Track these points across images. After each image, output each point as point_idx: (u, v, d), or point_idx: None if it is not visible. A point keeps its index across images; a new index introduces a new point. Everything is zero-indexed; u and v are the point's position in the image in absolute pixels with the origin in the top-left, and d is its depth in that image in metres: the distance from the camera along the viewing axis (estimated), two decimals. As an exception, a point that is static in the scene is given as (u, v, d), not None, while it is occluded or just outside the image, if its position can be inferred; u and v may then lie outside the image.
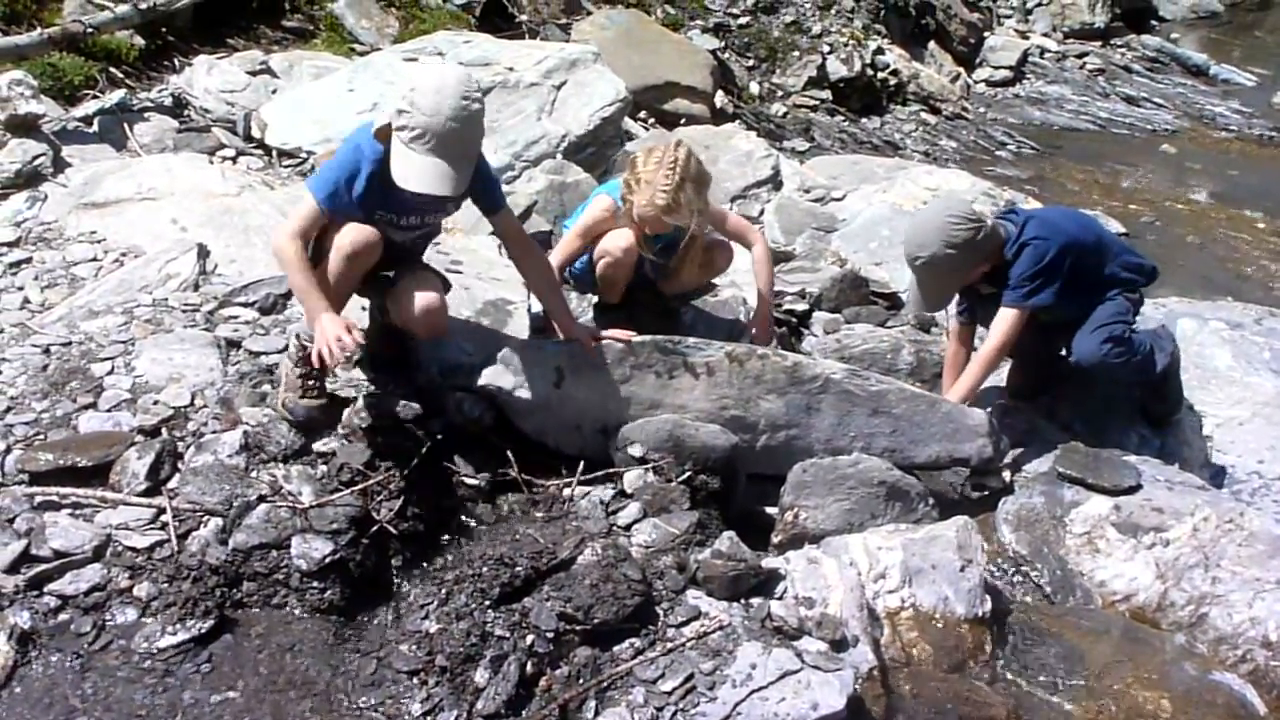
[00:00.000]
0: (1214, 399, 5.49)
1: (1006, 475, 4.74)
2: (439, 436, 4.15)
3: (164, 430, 4.02)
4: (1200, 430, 5.25)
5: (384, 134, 3.89)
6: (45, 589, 3.44)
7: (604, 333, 4.42)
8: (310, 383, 4.05)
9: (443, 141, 3.75)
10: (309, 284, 3.85)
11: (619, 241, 4.79)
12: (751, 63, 12.79)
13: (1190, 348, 6.10)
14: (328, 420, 4.08)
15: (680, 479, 4.15)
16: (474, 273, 5.10)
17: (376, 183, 3.92)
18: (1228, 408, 5.44)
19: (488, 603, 3.57)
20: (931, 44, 14.60)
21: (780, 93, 12.64)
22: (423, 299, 4.13)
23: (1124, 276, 4.87)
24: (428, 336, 4.30)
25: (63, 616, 3.41)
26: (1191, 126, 13.86)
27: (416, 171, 3.77)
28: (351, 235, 3.91)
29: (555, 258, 4.89)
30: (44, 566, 3.47)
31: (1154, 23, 17.68)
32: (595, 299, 5.25)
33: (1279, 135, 13.60)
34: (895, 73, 13.37)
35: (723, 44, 12.62)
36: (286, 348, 4.17)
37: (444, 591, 3.63)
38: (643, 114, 10.47)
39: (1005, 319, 4.79)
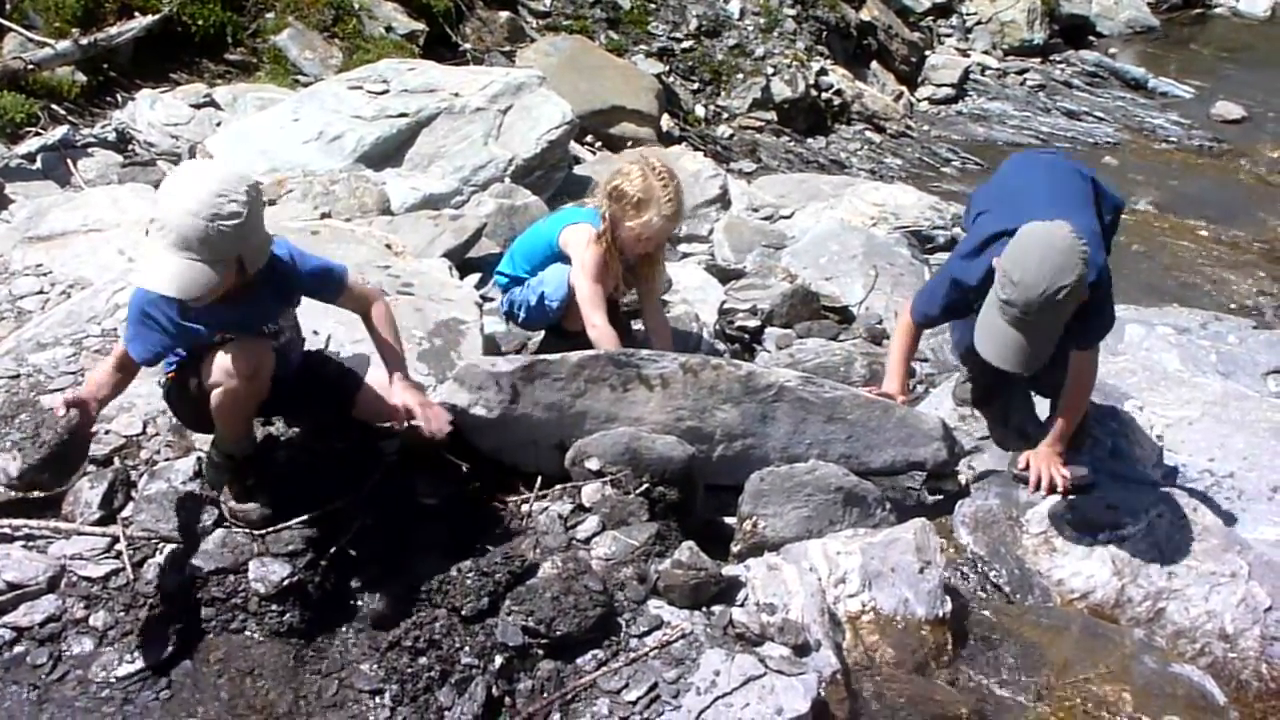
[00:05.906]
0: (1164, 400, 5.54)
1: (962, 478, 4.76)
2: (395, 456, 4.12)
3: (116, 459, 4.00)
4: (1151, 430, 5.30)
5: None
6: (-1, 621, 3.40)
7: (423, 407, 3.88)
8: (248, 483, 3.78)
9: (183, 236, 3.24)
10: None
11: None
12: (696, 86, 12.85)
13: (1139, 352, 6.21)
14: (278, 513, 3.78)
15: (638, 491, 4.12)
16: (425, 294, 5.08)
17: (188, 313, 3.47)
18: (1177, 408, 5.49)
19: (452, 620, 3.56)
20: (874, 64, 14.73)
21: (726, 115, 12.72)
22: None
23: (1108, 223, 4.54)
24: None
25: (18, 649, 3.38)
26: (1132, 139, 14.05)
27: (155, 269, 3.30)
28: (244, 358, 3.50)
29: (590, 312, 4.82)
30: (-3, 599, 3.43)
31: (1091, 38, 17.86)
32: (541, 333, 5.37)
33: (1218, 145, 13.82)
34: (839, 93, 13.49)
35: (667, 68, 12.67)
36: (199, 473, 3.88)
37: (404, 610, 3.61)
38: (589, 138, 10.51)
39: (1085, 361, 4.40)
